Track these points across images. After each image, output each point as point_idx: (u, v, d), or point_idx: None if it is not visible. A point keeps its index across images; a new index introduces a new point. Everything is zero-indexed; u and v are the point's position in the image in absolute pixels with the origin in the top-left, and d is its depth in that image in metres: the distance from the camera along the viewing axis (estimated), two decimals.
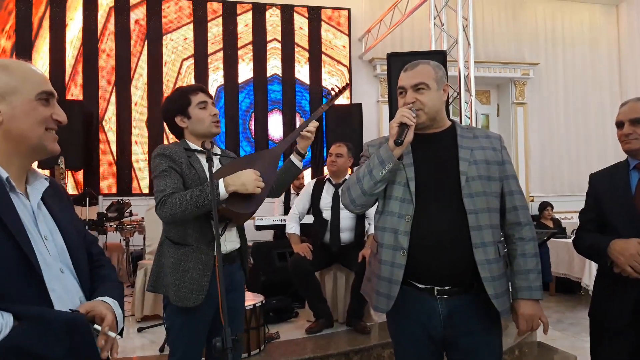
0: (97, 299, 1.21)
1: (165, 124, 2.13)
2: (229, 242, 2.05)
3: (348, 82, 2.44)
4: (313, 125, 2.16)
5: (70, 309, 1.12)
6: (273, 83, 7.20)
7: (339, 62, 7.42)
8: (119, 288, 1.32)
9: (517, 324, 1.72)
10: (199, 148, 2.03)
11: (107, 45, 6.60)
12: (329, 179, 3.73)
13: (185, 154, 1.98)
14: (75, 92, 6.44)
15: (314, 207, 3.73)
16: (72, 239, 1.23)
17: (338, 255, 3.63)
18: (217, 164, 2.08)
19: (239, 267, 2.12)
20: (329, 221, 3.59)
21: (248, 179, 1.89)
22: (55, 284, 1.12)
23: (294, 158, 2.20)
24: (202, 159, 2.03)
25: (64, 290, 1.14)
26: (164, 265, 1.99)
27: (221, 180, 1.87)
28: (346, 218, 3.58)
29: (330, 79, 7.38)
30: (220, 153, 2.13)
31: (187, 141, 2.06)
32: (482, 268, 1.62)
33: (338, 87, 2.30)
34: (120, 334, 1.26)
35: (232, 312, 2.03)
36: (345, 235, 3.59)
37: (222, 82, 6.98)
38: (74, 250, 1.22)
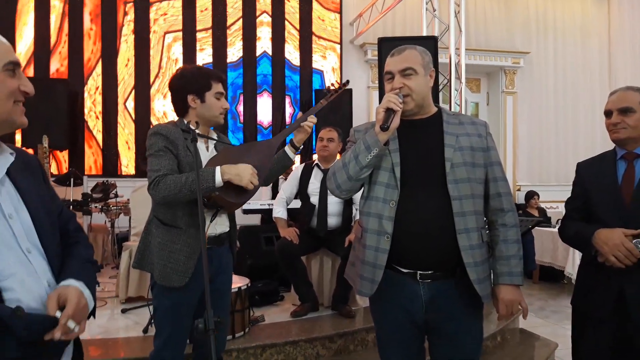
0: (61, 284, 1.14)
1: (171, 96, 2.08)
2: (219, 225, 2.06)
3: (347, 80, 2.45)
4: (312, 120, 2.17)
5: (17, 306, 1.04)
6: (262, 62, 7.11)
7: (329, 40, 7.33)
8: (89, 267, 1.26)
9: (497, 309, 1.74)
10: (200, 133, 2.02)
11: (93, 22, 6.45)
12: (317, 164, 3.72)
13: (182, 136, 1.95)
14: (60, 70, 6.30)
15: (302, 191, 3.72)
16: (40, 217, 1.17)
17: (325, 240, 3.63)
18: (212, 150, 2.09)
19: (227, 249, 2.13)
20: (317, 206, 3.59)
21: (244, 172, 1.90)
22: (16, 267, 1.06)
23: (288, 150, 2.21)
24: (200, 143, 2.04)
25: (28, 273, 1.08)
26: (151, 244, 1.99)
27: (218, 168, 1.87)
28: (334, 203, 3.57)
29: (322, 62, 7.31)
30: (216, 138, 2.12)
31: (186, 121, 2.03)
32: (465, 254, 1.63)
33: (339, 83, 2.30)
34: (93, 314, 1.22)
35: (219, 294, 2.05)
36: (333, 221, 3.59)
37: (211, 61, 6.88)
38: (42, 228, 1.16)
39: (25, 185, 1.17)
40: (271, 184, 5.58)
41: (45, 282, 1.12)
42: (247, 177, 1.89)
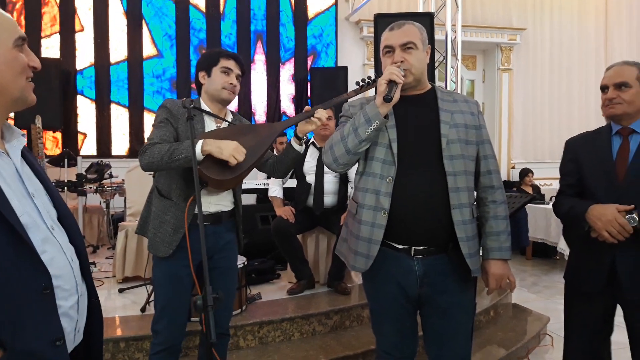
0: None
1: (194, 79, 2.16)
2: (214, 204, 2.05)
3: (376, 76, 2.09)
4: (327, 112, 2.03)
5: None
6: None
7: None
8: None
9: (486, 283, 1.78)
10: (208, 109, 2.06)
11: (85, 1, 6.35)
12: (313, 143, 3.70)
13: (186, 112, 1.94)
14: (51, 50, 6.21)
15: (297, 170, 3.70)
16: (56, 194, 1.18)
17: (320, 218, 3.64)
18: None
19: (227, 228, 2.12)
20: (313, 185, 3.58)
21: (226, 146, 1.85)
22: (46, 245, 1.06)
23: (293, 142, 2.13)
24: (208, 120, 2.06)
25: (56, 250, 1.09)
26: (151, 212, 2.06)
27: (200, 140, 1.85)
28: (330, 182, 3.57)
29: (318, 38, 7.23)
30: (230, 120, 2.11)
31: (201, 100, 2.09)
32: (458, 228, 1.66)
33: (370, 78, 2.09)
34: None
35: (218, 272, 2.06)
36: (328, 199, 3.59)
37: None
38: (60, 205, 1.17)
39: (37, 166, 1.17)
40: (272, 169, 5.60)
41: (69, 257, 1.12)
42: (229, 151, 1.84)
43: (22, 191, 1.07)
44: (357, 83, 1.99)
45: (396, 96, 1.61)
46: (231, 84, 2.05)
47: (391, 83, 1.61)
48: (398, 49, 1.70)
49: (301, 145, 2.12)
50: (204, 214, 1.98)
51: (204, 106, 2.07)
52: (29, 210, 1.06)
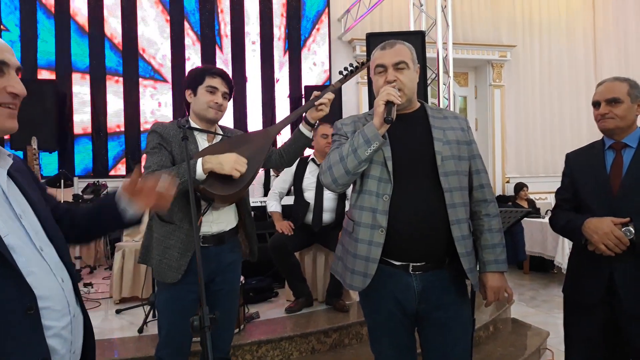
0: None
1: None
2: (216, 223, 2.02)
3: (366, 60, 2.19)
4: (328, 97, 2.05)
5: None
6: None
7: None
8: None
9: (484, 296, 1.78)
10: (198, 127, 2.03)
11: (80, 19, 6.40)
12: (313, 159, 3.71)
13: (178, 133, 1.94)
14: (47, 72, 6.24)
15: (296, 186, 3.70)
16: (45, 215, 1.17)
17: (318, 235, 3.64)
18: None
19: (230, 248, 2.07)
20: (312, 202, 3.58)
21: (226, 160, 1.84)
22: (33, 267, 1.05)
23: (303, 128, 2.11)
24: (200, 138, 2.03)
25: (44, 271, 1.07)
26: (153, 239, 2.01)
27: (200, 159, 1.84)
28: (329, 199, 3.58)
29: (312, 58, 7.31)
30: (222, 133, 2.09)
31: (190, 119, 2.05)
32: (458, 244, 1.67)
33: (358, 62, 2.17)
34: None
35: (221, 294, 2.03)
36: (327, 216, 3.60)
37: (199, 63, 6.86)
38: (49, 226, 1.16)
39: (26, 186, 1.16)
40: (263, 183, 5.61)
41: (60, 278, 1.11)
42: (230, 164, 1.83)
43: (8, 212, 1.06)
44: (341, 72, 2.05)
45: (393, 116, 1.62)
46: (216, 102, 2.01)
47: (389, 103, 1.62)
48: (390, 68, 1.72)
49: (311, 131, 2.12)
50: (207, 236, 1.99)
51: (193, 124, 2.04)
52: (16, 231, 1.05)
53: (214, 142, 2.07)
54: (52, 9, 6.26)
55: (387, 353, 1.80)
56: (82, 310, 1.19)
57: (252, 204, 4.90)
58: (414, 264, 1.69)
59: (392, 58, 1.72)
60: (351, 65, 2.14)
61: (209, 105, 2.00)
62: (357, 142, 1.65)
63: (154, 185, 1.32)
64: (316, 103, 2.05)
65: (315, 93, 2.09)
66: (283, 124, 2.15)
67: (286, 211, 3.90)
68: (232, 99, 2.14)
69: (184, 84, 2.10)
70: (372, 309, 1.81)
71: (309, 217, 3.60)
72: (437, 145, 1.70)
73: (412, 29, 5.75)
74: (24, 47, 6.12)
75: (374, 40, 4.96)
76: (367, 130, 1.65)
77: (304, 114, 2.11)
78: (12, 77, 1.07)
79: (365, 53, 5.84)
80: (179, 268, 1.92)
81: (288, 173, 3.80)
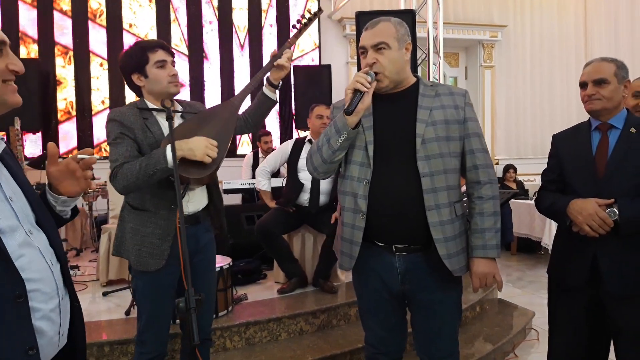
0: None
1: (124, 81, 1.99)
2: (191, 202, 1.98)
3: (318, 9, 2.10)
4: (287, 55, 2.00)
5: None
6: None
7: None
8: None
9: (471, 281, 1.76)
10: (157, 107, 1.92)
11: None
12: (309, 140, 3.66)
13: (140, 118, 1.87)
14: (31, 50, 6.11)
15: (291, 167, 3.65)
16: (35, 198, 1.17)
17: (307, 217, 3.62)
18: (178, 122, 1.97)
19: (205, 228, 2.05)
20: (309, 183, 3.53)
21: (197, 146, 1.78)
22: (24, 249, 1.05)
23: (266, 90, 2.05)
24: (161, 119, 1.93)
25: (34, 254, 1.07)
26: (126, 230, 1.95)
27: (168, 147, 1.74)
28: (325, 181, 3.52)
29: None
30: (181, 110, 2.01)
31: (146, 100, 1.94)
32: (434, 230, 1.64)
33: (310, 13, 2.08)
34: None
35: (199, 274, 2.01)
36: (323, 198, 3.57)
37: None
38: (39, 209, 1.16)
39: (15, 169, 1.16)
40: (252, 165, 5.57)
41: (49, 261, 1.11)
42: (202, 151, 1.78)
43: (1, 194, 1.06)
44: (294, 26, 1.99)
45: (363, 104, 1.59)
46: (173, 75, 1.91)
47: (356, 92, 1.58)
48: (370, 49, 1.67)
49: (275, 92, 2.07)
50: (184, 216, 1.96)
51: (151, 106, 1.93)
52: (7, 214, 1.05)
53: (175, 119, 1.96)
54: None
55: (374, 329, 1.83)
56: (71, 294, 1.19)
57: (240, 186, 4.92)
58: (397, 245, 1.69)
59: (371, 39, 1.67)
60: (303, 16, 2.08)
61: (168, 82, 1.90)
62: (330, 132, 1.66)
63: (76, 166, 1.28)
64: (275, 63, 2.01)
65: (273, 52, 2.05)
66: (245, 92, 2.08)
67: (276, 192, 3.87)
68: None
69: (120, 69, 1.95)
70: (361, 286, 1.84)
71: (303, 197, 3.57)
72: (419, 127, 1.66)
73: (402, 7, 5.68)
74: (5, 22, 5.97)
75: (363, 18, 4.89)
76: (338, 120, 1.64)
77: (265, 77, 2.06)
78: (10, 54, 1.12)
79: (354, 32, 5.77)
80: (162, 254, 1.89)
81: (283, 152, 3.75)
